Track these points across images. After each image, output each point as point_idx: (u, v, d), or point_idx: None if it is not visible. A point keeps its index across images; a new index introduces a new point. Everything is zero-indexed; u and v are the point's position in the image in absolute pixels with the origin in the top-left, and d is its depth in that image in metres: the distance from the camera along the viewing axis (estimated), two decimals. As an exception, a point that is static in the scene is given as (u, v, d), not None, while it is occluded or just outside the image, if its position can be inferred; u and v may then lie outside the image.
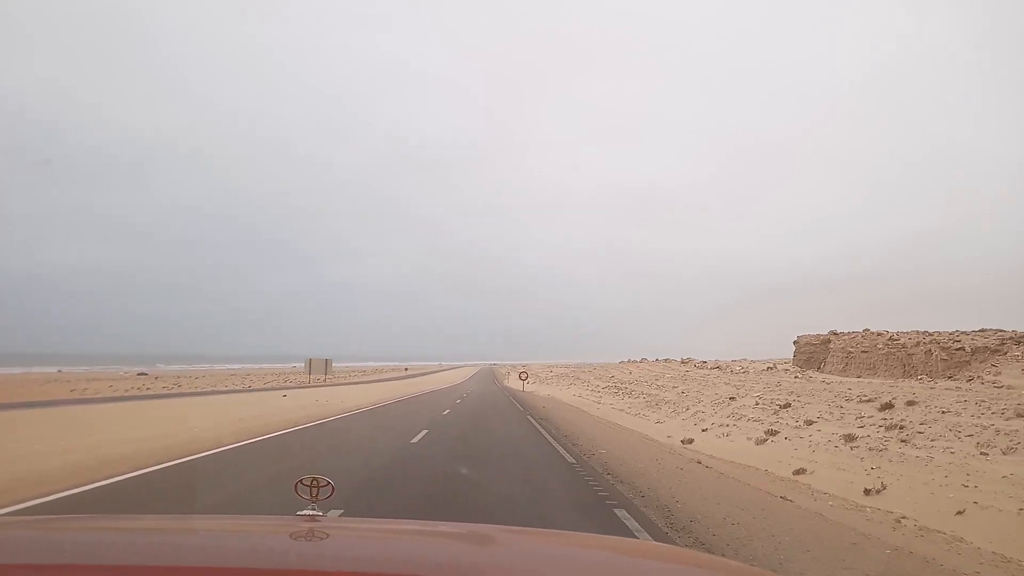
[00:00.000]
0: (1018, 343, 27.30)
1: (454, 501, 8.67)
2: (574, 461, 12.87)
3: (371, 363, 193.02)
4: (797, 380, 28.46)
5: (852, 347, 37.58)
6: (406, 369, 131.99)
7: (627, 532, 6.95)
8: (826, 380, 27.74)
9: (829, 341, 41.14)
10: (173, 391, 41.97)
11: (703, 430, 22.15)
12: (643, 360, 61.12)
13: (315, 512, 2.06)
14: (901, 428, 15.66)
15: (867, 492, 10.94)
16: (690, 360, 50.44)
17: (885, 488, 11.13)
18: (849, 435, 16.08)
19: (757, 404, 24.04)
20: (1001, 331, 29.98)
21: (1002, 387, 19.63)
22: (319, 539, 1.84)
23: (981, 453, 12.61)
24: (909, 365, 31.74)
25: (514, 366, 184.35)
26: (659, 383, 39.96)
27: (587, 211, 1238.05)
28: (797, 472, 13.38)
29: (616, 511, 8.04)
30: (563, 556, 1.97)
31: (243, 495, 8.86)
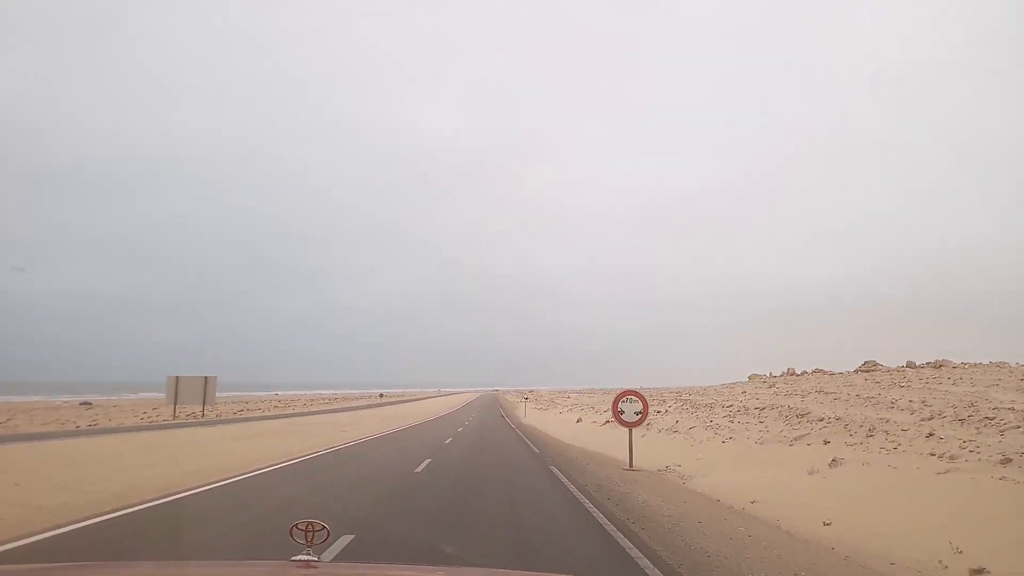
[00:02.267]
0: None
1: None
2: None
3: (344, 391, 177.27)
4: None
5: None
6: (381, 396, 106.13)
7: None
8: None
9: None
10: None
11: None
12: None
13: (310, 557, 2.09)
14: None
15: None
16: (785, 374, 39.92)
17: None
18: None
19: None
20: None
21: None
22: None
23: None
24: None
25: (519, 392, 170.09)
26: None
27: (598, 228, 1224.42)
28: None
29: None
30: None
31: None
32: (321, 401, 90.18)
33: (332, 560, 5.49)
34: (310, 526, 2.17)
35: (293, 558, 2.04)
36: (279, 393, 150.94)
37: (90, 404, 63.74)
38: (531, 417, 52.82)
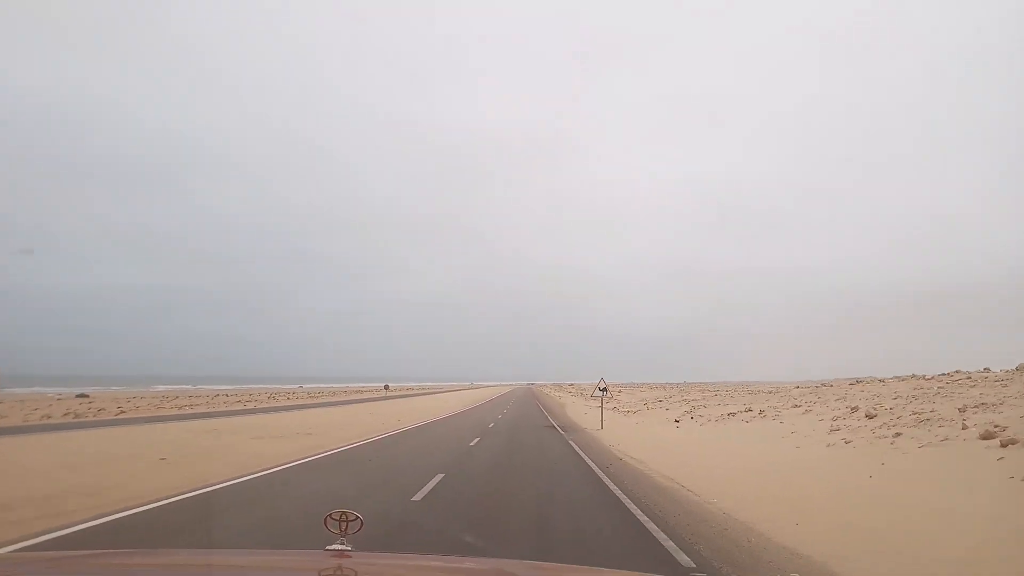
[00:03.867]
0: None
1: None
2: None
3: (373, 384, 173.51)
4: None
5: None
6: (386, 388, 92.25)
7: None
8: None
9: None
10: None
11: None
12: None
13: (344, 547, 2.08)
14: None
15: None
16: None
17: None
18: None
19: None
20: None
21: None
22: None
23: None
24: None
25: (561, 386, 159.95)
26: None
27: (649, 220, 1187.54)
28: None
29: None
30: None
31: None
32: (340, 393, 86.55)
33: None
34: (344, 516, 2.17)
35: (328, 547, 2.08)
36: (302, 385, 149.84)
37: (87, 396, 62.33)
38: (613, 432, 26.86)
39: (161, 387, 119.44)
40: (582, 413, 42.67)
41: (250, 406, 49.48)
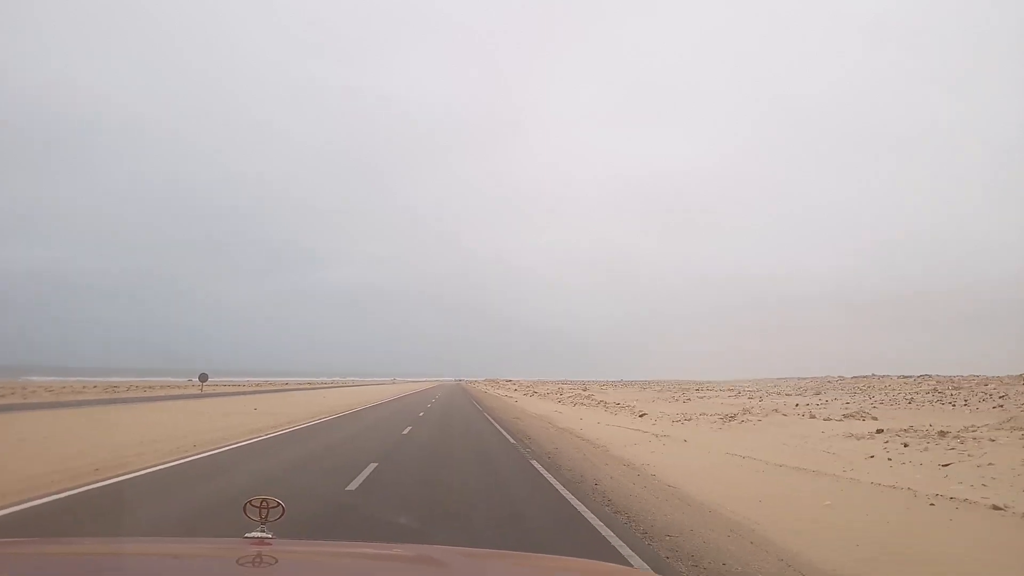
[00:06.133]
0: None
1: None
2: None
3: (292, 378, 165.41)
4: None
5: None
6: (202, 381, 65.87)
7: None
8: None
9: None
10: None
11: None
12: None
13: (264, 535, 1.98)
14: None
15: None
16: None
17: None
18: None
19: None
20: None
21: None
22: (268, 564, 1.76)
23: None
24: None
25: (496, 383, 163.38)
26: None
27: (576, 214, 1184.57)
28: None
29: None
30: None
31: None
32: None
33: None
34: (264, 503, 2.06)
35: (247, 535, 1.97)
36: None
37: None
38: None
39: (36, 377, 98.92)
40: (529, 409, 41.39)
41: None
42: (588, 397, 49.26)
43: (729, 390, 64.34)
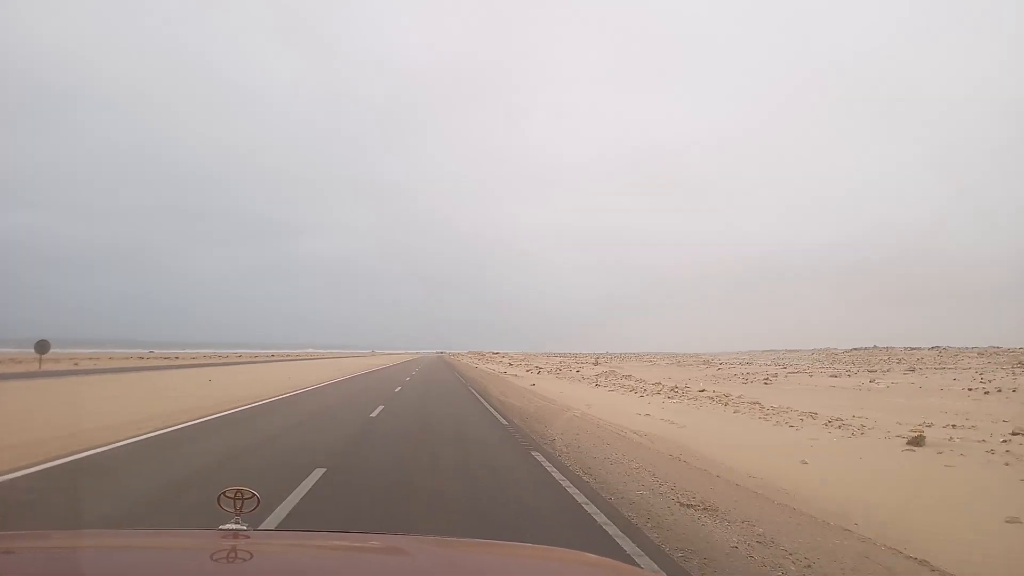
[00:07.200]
0: None
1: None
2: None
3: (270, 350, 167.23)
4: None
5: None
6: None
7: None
8: None
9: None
10: None
11: None
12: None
13: (239, 527, 1.96)
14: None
15: None
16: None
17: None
18: None
19: None
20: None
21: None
22: (242, 558, 1.73)
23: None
24: None
25: (481, 355, 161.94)
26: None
27: (575, 186, 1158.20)
28: None
29: None
30: (478, 568, 1.91)
31: None
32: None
33: None
34: (239, 494, 2.02)
35: (221, 527, 1.94)
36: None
37: None
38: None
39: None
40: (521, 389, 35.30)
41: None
42: (625, 377, 39.31)
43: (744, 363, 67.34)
